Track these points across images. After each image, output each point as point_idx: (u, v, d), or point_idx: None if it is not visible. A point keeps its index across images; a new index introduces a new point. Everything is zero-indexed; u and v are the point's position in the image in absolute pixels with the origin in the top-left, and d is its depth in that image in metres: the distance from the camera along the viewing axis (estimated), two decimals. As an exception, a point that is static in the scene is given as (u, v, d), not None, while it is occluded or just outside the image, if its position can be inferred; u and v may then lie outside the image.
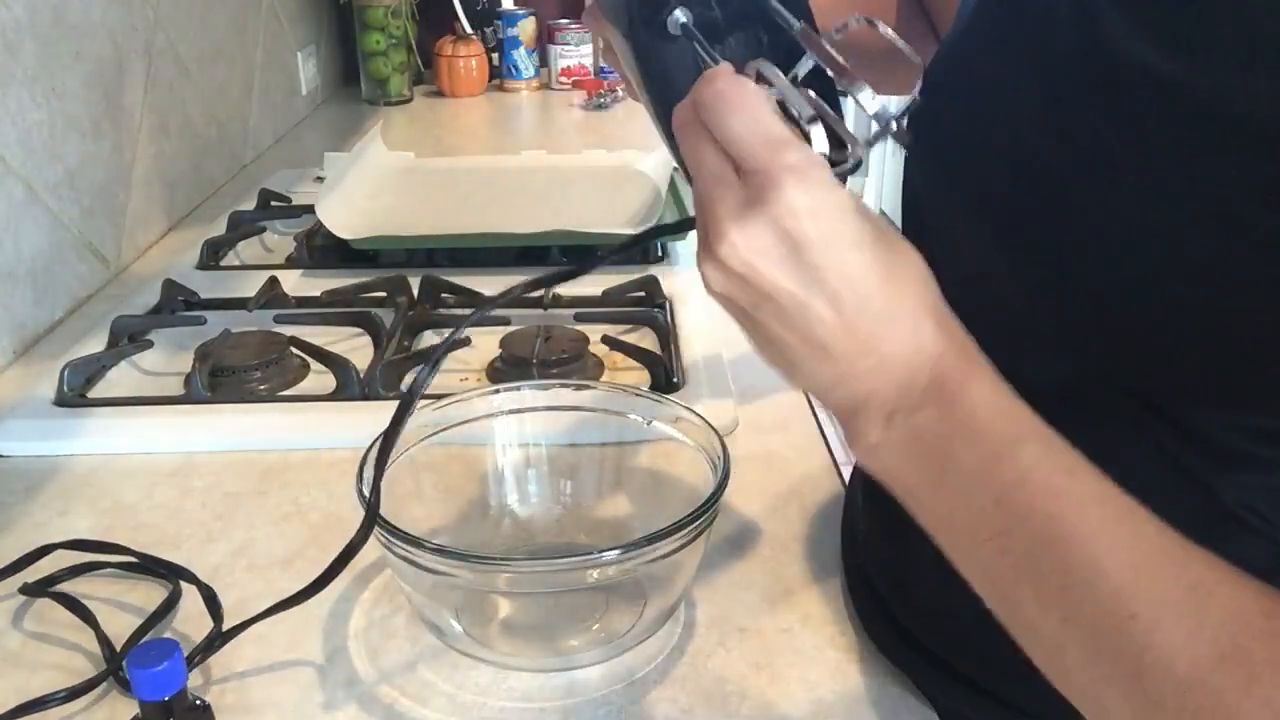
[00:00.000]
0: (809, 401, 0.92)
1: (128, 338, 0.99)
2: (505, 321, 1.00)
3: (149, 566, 0.70)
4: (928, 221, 0.61)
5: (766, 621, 0.66)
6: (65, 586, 0.69)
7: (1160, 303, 0.47)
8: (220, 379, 0.92)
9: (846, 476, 0.81)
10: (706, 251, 0.45)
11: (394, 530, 0.59)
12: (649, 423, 0.72)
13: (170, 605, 0.67)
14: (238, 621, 0.62)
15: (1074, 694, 0.42)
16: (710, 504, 0.61)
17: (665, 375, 0.92)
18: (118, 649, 0.64)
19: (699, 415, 0.68)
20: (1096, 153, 0.48)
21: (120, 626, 0.65)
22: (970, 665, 0.60)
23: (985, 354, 0.46)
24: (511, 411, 0.74)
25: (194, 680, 0.61)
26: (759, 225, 0.43)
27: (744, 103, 0.44)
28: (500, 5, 2.11)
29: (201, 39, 1.44)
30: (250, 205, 1.35)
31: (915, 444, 0.44)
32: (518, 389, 0.75)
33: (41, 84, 1.04)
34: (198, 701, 0.53)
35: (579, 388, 0.77)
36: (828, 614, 0.67)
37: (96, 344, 0.97)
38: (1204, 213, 0.44)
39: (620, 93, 2.01)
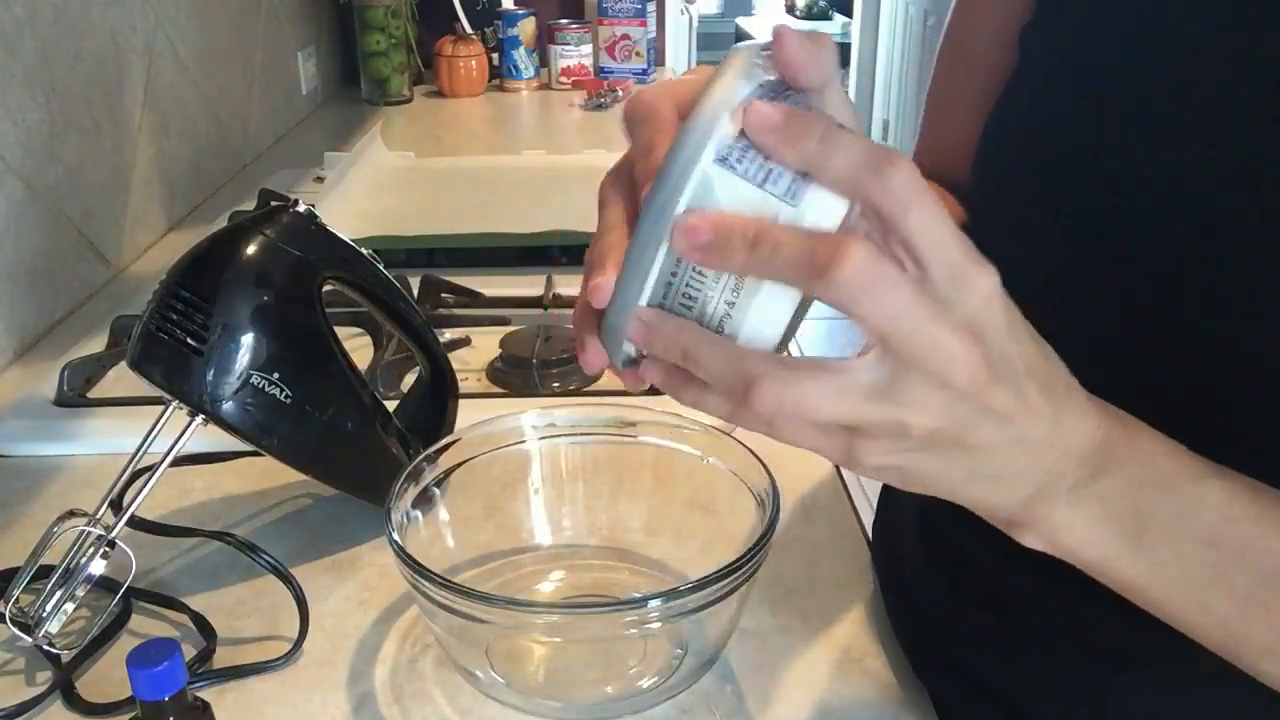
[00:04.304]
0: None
1: (128, 337, 0.99)
2: (505, 322, 1.00)
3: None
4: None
5: (766, 621, 0.66)
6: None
7: None
8: (220, 379, 0.92)
9: (848, 478, 0.81)
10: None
11: (420, 569, 0.55)
12: (705, 459, 0.67)
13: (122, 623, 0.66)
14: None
15: None
16: (757, 549, 0.56)
17: (665, 375, 0.91)
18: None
19: (747, 447, 0.63)
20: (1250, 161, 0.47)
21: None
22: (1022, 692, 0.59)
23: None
24: (547, 437, 0.70)
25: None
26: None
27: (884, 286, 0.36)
28: (500, 5, 2.11)
29: (201, 39, 1.44)
30: (250, 205, 1.34)
31: (1105, 512, 0.42)
32: (551, 412, 0.70)
33: (41, 84, 1.04)
34: (197, 702, 0.53)
35: (615, 410, 0.71)
36: (828, 614, 0.67)
37: (96, 344, 0.97)
38: None
39: (620, 93, 2.01)
